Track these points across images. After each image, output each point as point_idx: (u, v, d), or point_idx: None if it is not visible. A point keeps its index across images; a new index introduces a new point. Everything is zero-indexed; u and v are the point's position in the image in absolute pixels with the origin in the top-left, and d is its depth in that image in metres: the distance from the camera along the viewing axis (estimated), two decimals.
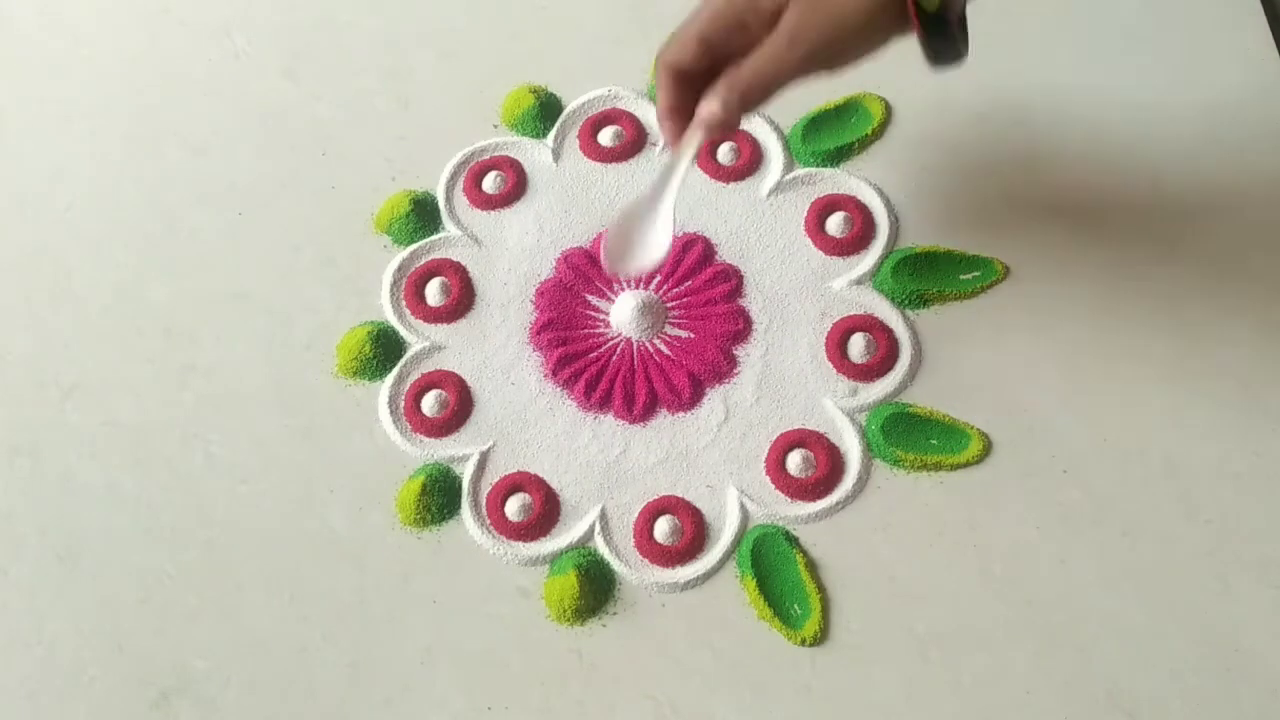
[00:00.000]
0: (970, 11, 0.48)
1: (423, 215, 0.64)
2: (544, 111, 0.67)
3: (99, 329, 0.62)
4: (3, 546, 0.57)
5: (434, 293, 0.61)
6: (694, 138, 0.51)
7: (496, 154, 0.66)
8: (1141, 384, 0.58)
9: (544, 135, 0.66)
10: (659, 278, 0.61)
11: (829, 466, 0.56)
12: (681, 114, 0.51)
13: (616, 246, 0.53)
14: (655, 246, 0.53)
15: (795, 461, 0.56)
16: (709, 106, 0.50)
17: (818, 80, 0.50)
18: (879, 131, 0.65)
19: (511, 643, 0.54)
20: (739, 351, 0.60)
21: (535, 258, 0.63)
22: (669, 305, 0.61)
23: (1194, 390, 0.57)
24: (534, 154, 0.66)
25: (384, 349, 0.60)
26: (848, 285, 0.61)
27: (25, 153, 0.67)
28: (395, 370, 0.60)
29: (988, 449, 0.56)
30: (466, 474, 0.57)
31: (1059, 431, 0.57)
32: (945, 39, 0.47)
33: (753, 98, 0.49)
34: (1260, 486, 0.55)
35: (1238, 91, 0.65)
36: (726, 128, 0.50)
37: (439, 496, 0.56)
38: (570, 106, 0.67)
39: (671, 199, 0.53)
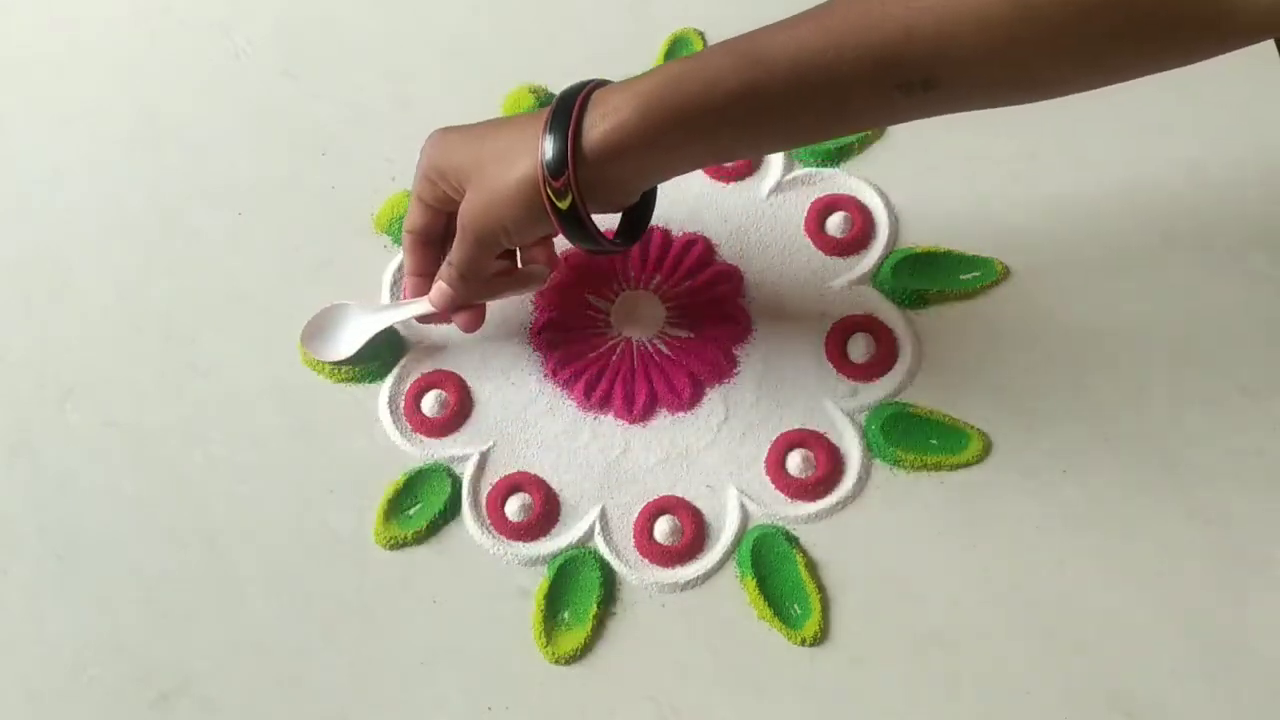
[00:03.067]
0: None
1: None
2: None
3: (99, 329, 0.62)
4: (3, 546, 0.57)
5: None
6: (424, 305, 0.56)
7: None
8: (1141, 384, 0.58)
9: None
10: (659, 278, 0.61)
11: (829, 466, 0.56)
12: (426, 277, 0.56)
13: (316, 327, 0.60)
14: (342, 347, 0.59)
15: (795, 461, 0.56)
16: (437, 287, 0.55)
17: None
18: (879, 131, 0.65)
19: (511, 643, 0.54)
20: (739, 351, 0.60)
21: None
22: (669, 305, 0.61)
23: (1194, 390, 0.57)
24: None
25: (385, 349, 0.60)
26: (848, 285, 0.61)
27: (25, 153, 0.67)
28: (395, 370, 0.60)
29: (988, 449, 0.56)
30: (466, 474, 0.57)
31: (1059, 431, 0.57)
32: (582, 234, 0.50)
33: (469, 276, 0.54)
34: (1260, 486, 0.55)
35: (1238, 91, 0.65)
36: (453, 305, 0.55)
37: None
38: None
39: (378, 325, 0.59)
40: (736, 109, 0.46)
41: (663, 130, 0.46)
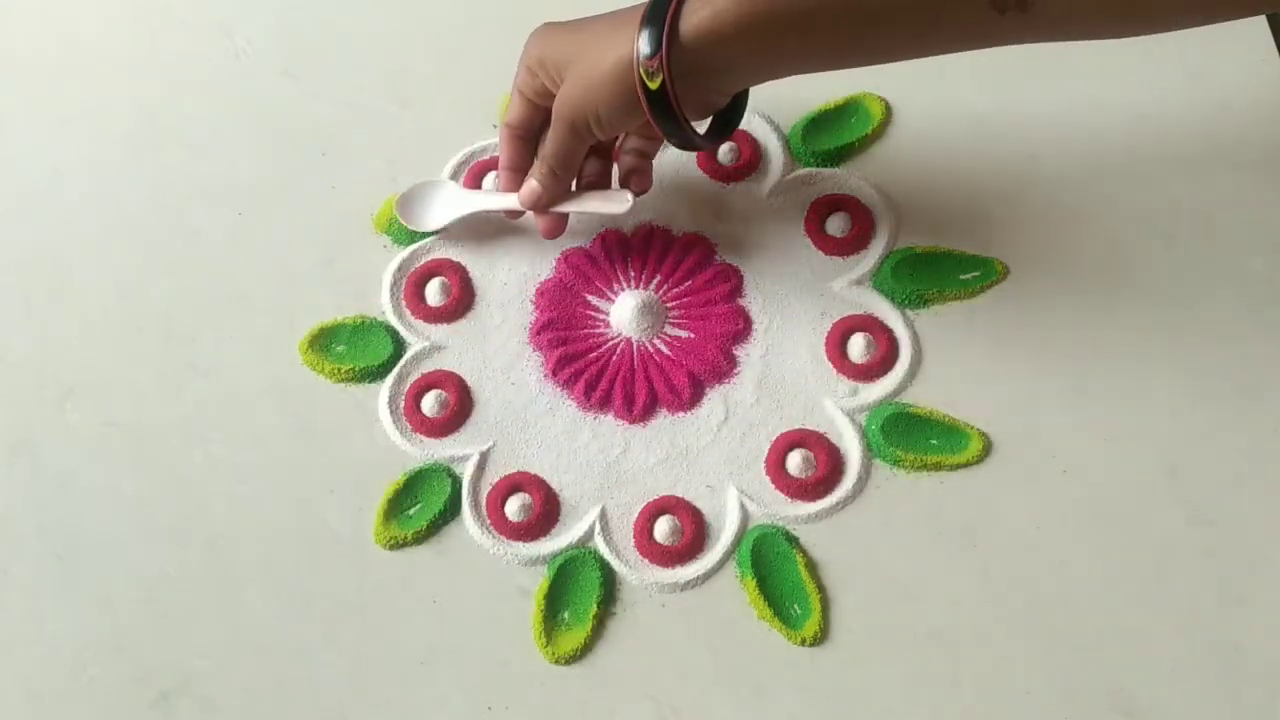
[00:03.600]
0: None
1: None
2: None
3: (99, 329, 0.62)
4: (3, 546, 0.57)
5: (434, 293, 0.61)
6: (513, 200, 0.59)
7: (496, 154, 0.66)
8: (1141, 384, 0.58)
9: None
10: (659, 277, 0.61)
11: (829, 466, 0.56)
12: (519, 172, 0.58)
13: (412, 196, 0.63)
14: (431, 219, 0.62)
15: (795, 461, 0.56)
16: (527, 184, 0.57)
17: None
18: (879, 131, 0.65)
19: (511, 643, 0.54)
20: (739, 351, 0.60)
21: (535, 258, 0.62)
22: (669, 305, 0.61)
23: (1194, 390, 0.57)
24: None
25: (388, 345, 0.60)
26: (848, 285, 0.61)
27: (25, 153, 0.67)
28: (395, 370, 0.60)
29: (988, 449, 0.56)
30: (466, 474, 0.57)
31: (1059, 431, 0.57)
32: (670, 121, 0.51)
33: (560, 170, 0.56)
34: (1260, 486, 0.55)
35: (1238, 92, 0.65)
36: (540, 204, 0.58)
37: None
38: None
39: (470, 207, 0.62)
40: (829, 10, 0.47)
41: (757, 22, 0.48)
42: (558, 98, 0.53)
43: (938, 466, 0.56)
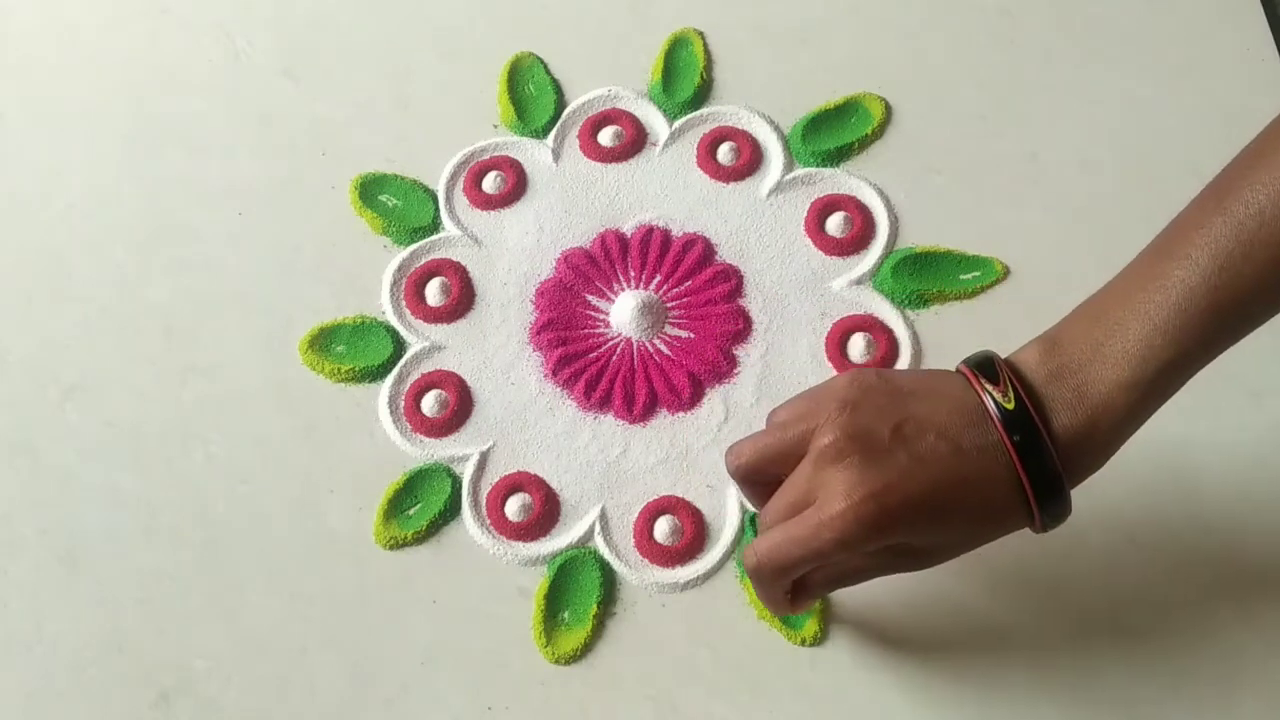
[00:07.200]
0: (969, 10, 0.48)
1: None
2: None
3: (99, 329, 0.62)
4: (3, 546, 0.57)
5: (434, 293, 0.61)
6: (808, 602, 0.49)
7: (496, 154, 0.66)
8: None
9: (544, 135, 0.66)
10: (659, 277, 0.61)
11: None
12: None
13: None
14: None
15: None
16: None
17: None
18: (879, 131, 0.65)
19: (511, 643, 0.54)
20: (739, 351, 0.60)
21: (535, 258, 0.63)
22: (669, 305, 0.61)
23: (1194, 392, 0.57)
24: (534, 154, 0.66)
25: (387, 346, 0.60)
26: (848, 285, 0.61)
27: (25, 153, 0.67)
28: (395, 370, 0.60)
29: None
30: (466, 474, 0.57)
31: None
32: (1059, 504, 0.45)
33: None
34: (1261, 489, 0.55)
35: (1238, 91, 0.65)
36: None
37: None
38: (570, 106, 0.67)
39: None
40: (1208, 355, 0.45)
41: (1149, 410, 0.45)
42: (928, 548, 0.46)
43: None
